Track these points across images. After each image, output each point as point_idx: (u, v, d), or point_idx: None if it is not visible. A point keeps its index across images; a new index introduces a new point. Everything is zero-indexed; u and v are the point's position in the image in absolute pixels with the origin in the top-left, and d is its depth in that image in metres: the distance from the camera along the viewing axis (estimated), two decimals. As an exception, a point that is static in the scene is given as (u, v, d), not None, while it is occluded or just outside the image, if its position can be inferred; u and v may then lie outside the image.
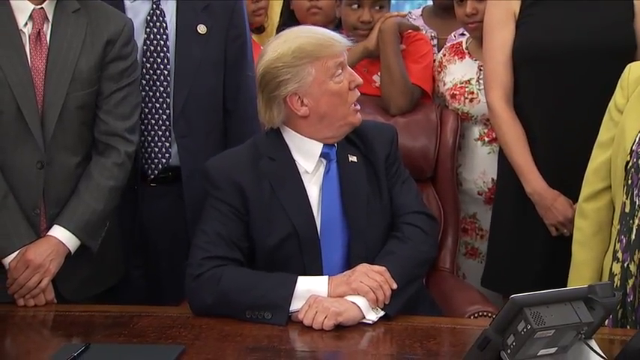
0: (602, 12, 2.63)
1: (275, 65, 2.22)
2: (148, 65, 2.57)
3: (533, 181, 2.66)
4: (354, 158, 2.32)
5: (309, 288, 2.14)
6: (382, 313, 2.13)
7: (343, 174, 2.30)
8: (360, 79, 2.29)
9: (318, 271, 2.22)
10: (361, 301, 2.11)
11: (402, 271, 2.19)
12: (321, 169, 2.29)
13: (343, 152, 2.32)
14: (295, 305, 2.12)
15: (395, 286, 2.14)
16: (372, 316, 2.12)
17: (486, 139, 2.96)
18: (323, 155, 2.29)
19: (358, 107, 2.29)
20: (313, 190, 2.28)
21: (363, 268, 2.17)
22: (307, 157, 2.29)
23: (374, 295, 2.11)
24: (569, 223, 2.62)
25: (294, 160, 2.28)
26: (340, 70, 2.24)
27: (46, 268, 2.26)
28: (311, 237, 2.24)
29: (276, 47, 2.24)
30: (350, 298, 2.12)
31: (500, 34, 2.69)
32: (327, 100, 2.24)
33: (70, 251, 2.31)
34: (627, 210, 2.15)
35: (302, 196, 2.26)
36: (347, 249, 2.27)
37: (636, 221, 2.12)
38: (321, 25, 3.15)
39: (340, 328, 2.07)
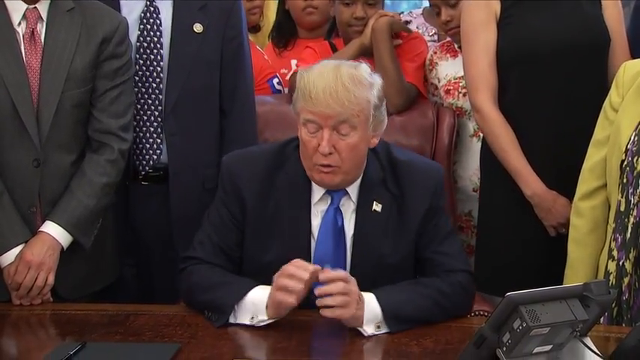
0: (584, 8, 2.63)
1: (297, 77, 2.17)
2: (142, 62, 2.56)
3: (533, 183, 2.62)
4: (378, 207, 2.19)
5: (254, 300, 2.08)
6: (384, 330, 2.06)
7: (359, 224, 2.18)
8: (324, 150, 2.08)
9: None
10: (371, 307, 2.05)
11: (425, 306, 2.10)
12: (324, 207, 2.20)
13: (368, 197, 2.19)
14: (240, 317, 2.08)
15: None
16: (371, 329, 2.05)
17: (481, 134, 2.94)
18: (328, 192, 2.20)
19: (326, 170, 2.12)
20: (315, 221, 2.20)
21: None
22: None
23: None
24: (568, 223, 2.62)
25: (310, 184, 2.19)
26: (314, 126, 2.10)
27: (48, 264, 2.26)
28: None
29: (315, 65, 2.17)
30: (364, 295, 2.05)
31: (483, 36, 2.65)
32: (300, 140, 2.17)
33: (62, 247, 2.31)
34: (622, 208, 2.15)
35: (303, 227, 2.18)
36: None
37: (631, 219, 2.12)
38: (316, 24, 3.16)
39: (335, 325, 2.06)
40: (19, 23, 2.29)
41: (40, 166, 2.30)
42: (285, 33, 3.40)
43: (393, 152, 2.26)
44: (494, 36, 2.65)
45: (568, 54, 2.58)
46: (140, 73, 2.56)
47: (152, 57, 2.57)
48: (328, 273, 2.03)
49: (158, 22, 2.57)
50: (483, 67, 2.66)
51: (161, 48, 2.57)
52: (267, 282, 2.11)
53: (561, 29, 2.59)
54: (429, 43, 3.23)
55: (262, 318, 2.07)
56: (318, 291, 2.02)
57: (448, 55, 3.06)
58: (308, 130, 2.12)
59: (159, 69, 2.57)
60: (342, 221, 2.20)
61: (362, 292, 2.07)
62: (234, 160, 2.28)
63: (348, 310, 2.01)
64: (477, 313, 2.28)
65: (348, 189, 2.20)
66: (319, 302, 2.02)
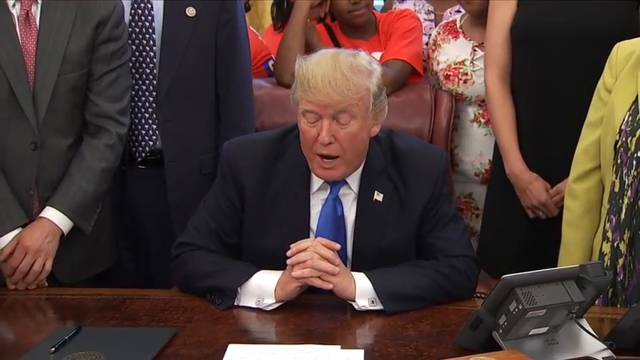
0: None
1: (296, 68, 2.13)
2: (134, 47, 2.54)
3: (512, 162, 2.68)
4: (379, 197, 2.17)
5: (260, 283, 2.09)
6: (378, 307, 2.06)
7: (360, 214, 2.17)
8: (324, 140, 2.06)
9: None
10: (362, 282, 2.06)
11: (421, 283, 2.10)
12: (324, 196, 2.19)
13: (369, 187, 2.17)
14: (244, 300, 2.09)
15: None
16: (363, 302, 2.06)
17: (482, 120, 2.96)
18: (327, 181, 2.18)
19: (326, 165, 2.10)
20: (315, 210, 2.19)
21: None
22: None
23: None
24: (543, 207, 2.65)
25: (309, 172, 2.18)
26: (313, 116, 2.08)
27: (46, 250, 2.26)
28: None
29: (313, 54, 2.14)
30: (355, 275, 2.08)
31: (501, 13, 2.69)
32: (300, 130, 2.15)
33: (63, 233, 2.30)
34: (616, 189, 2.14)
35: (302, 215, 2.17)
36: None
37: (625, 200, 2.11)
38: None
39: (332, 309, 2.07)
40: (14, 5, 2.28)
41: (37, 150, 2.30)
42: (284, 14, 3.37)
43: (395, 140, 2.23)
44: (511, 14, 2.68)
45: (574, 39, 2.57)
46: (134, 58, 2.54)
47: (144, 42, 2.55)
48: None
49: (150, 5, 2.55)
50: (495, 44, 2.71)
51: (153, 32, 2.55)
52: (267, 269, 2.12)
53: (572, 14, 2.57)
54: (424, 22, 3.20)
55: (270, 301, 2.07)
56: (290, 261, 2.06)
57: (450, 36, 3.05)
58: (307, 120, 2.10)
59: (152, 54, 2.55)
60: (342, 210, 2.19)
61: (352, 272, 2.09)
62: (234, 147, 2.26)
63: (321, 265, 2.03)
64: (474, 295, 2.28)
65: (348, 178, 2.18)
66: (294, 259, 2.05)
